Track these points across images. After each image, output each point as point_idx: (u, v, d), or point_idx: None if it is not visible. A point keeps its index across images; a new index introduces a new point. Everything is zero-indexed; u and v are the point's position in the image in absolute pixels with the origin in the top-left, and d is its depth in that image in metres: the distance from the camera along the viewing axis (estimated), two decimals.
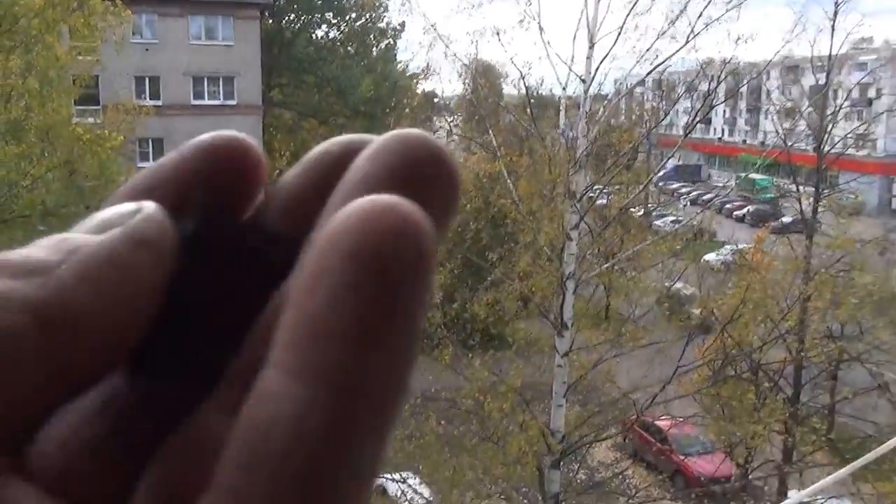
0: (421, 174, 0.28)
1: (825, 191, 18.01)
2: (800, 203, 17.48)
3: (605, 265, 14.36)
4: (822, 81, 18.81)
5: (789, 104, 21.12)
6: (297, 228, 0.31)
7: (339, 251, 0.24)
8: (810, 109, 18.44)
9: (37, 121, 13.62)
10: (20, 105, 13.53)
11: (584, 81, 12.89)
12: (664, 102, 17.54)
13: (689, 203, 26.12)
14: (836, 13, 17.23)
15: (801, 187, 17.84)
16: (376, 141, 0.29)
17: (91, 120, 17.32)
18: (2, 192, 12.84)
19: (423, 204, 0.26)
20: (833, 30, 17.25)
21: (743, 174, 20.90)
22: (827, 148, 17.75)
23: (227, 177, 0.33)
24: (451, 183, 0.29)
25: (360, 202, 0.25)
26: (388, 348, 0.24)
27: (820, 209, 17.36)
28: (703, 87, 14.16)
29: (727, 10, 12.80)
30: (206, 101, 25.95)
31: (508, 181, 13.15)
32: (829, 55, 17.48)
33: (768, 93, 25.38)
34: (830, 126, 17.86)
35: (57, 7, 13.57)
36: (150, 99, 23.98)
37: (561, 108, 13.54)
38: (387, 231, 0.24)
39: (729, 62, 13.80)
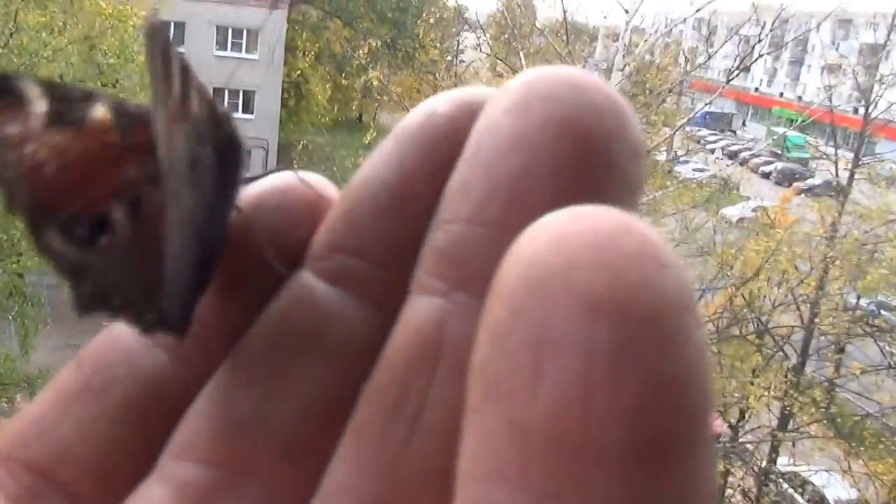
0: (601, 150, 0.23)
1: (865, 157, 17.13)
2: (836, 167, 16.65)
3: None
4: (878, 41, 17.78)
5: (838, 61, 20.09)
6: (403, 229, 0.28)
7: (561, 308, 0.18)
8: (860, 69, 17.46)
9: None
10: None
11: (627, 11, 12.19)
12: (706, 44, 16.65)
13: (723, 155, 25.20)
14: None
15: (838, 150, 16.97)
16: (511, 95, 0.25)
17: None
18: (22, 60, 12.38)
19: (611, 198, 0.22)
20: None
21: (777, 129, 20.01)
22: (874, 113, 16.80)
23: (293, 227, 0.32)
24: (637, 157, 0.24)
25: (554, 221, 0.19)
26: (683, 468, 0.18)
27: (857, 176, 16.55)
28: (747, 31, 13.37)
29: None
30: None
31: None
32: (895, 13, 16.37)
33: (814, 46, 24.35)
34: (883, 90, 16.88)
35: None
36: None
37: (599, 37, 12.80)
38: (628, 271, 0.18)
39: (783, 8, 12.95)
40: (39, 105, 0.33)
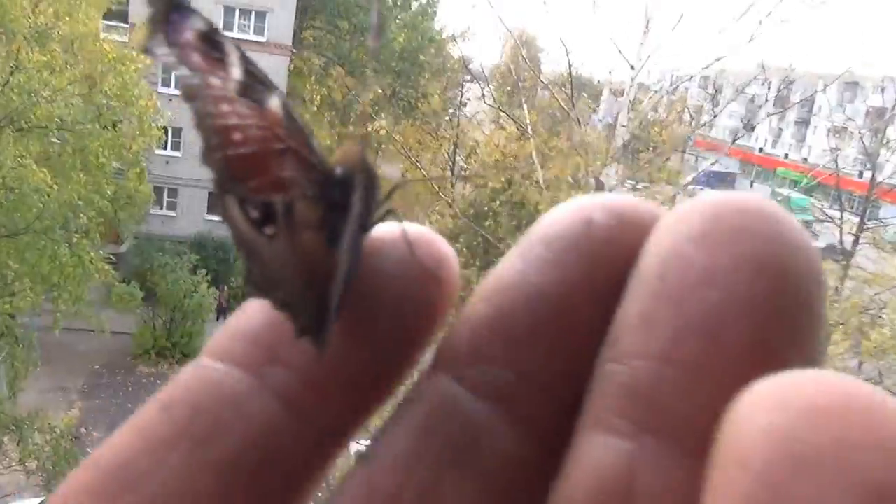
0: (795, 289, 0.23)
1: (870, 222, 16.93)
2: (840, 231, 16.44)
3: None
4: (885, 104, 17.70)
5: (845, 123, 20.01)
6: (565, 347, 0.27)
7: (839, 493, 0.17)
8: (867, 132, 17.34)
9: (64, 30, 13.30)
10: (49, 11, 13.15)
11: (632, 68, 12.04)
12: (711, 103, 16.54)
13: None
14: None
15: (844, 214, 16.79)
16: (695, 223, 0.24)
17: (118, 38, 16.71)
18: (21, 99, 12.42)
19: (804, 337, 0.22)
20: None
21: (782, 190, 19.85)
22: (880, 177, 16.65)
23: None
24: (824, 292, 0.24)
25: (797, 386, 0.19)
26: None
27: (861, 240, 16.34)
28: (753, 91, 13.25)
29: (802, 12, 11.90)
30: (235, 34, 24.84)
31: (536, 163, 12.35)
32: None
33: (821, 108, 24.30)
34: (889, 154, 16.74)
35: None
36: None
37: (603, 92, 12.66)
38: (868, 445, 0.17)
39: (791, 69, 12.84)
40: (236, 71, 0.35)
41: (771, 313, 0.22)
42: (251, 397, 0.30)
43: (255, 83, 0.35)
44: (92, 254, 13.00)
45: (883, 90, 18.00)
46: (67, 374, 17.61)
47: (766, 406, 0.18)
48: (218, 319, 21.29)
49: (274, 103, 0.35)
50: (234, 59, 0.35)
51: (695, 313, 0.22)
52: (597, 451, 0.23)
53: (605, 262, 0.26)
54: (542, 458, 0.26)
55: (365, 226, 0.33)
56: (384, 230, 0.33)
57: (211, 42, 0.35)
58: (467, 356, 0.28)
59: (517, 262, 0.27)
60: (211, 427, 0.29)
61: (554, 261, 0.27)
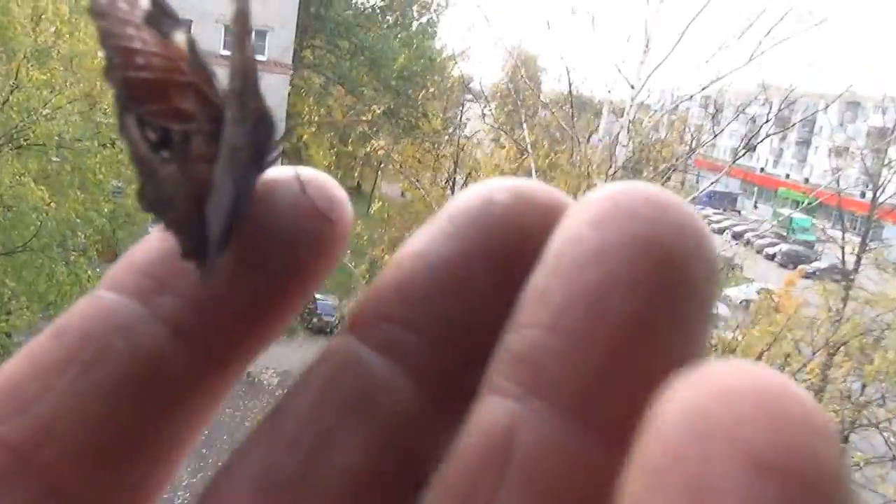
0: (679, 269, 0.24)
1: (872, 242, 16.86)
2: (843, 251, 16.36)
3: None
4: (887, 124, 17.67)
5: (846, 143, 19.98)
6: (459, 310, 0.29)
7: (726, 460, 0.19)
8: (868, 152, 17.31)
9: (64, 49, 13.38)
10: (49, 31, 13.31)
11: (632, 87, 12.01)
12: (712, 122, 16.51)
13: (732, 238, 24.99)
14: None
15: (846, 234, 16.71)
16: (594, 208, 0.26)
17: None
18: (20, 117, 12.44)
19: (686, 315, 0.24)
20: None
21: (783, 211, 19.80)
22: (881, 197, 16.59)
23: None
24: (713, 277, 0.25)
25: (718, 371, 0.21)
26: None
27: (863, 261, 16.26)
28: (754, 110, 13.23)
29: (801, 31, 11.89)
30: None
31: (535, 179, 12.27)
32: None
33: (822, 128, 24.30)
34: (891, 174, 16.69)
35: None
36: None
37: (603, 111, 12.64)
38: (795, 435, 0.19)
39: (792, 89, 12.80)
40: (144, 1, 0.35)
41: (652, 290, 0.23)
42: (139, 323, 0.31)
43: (163, 16, 0.35)
44: (89, 272, 12.86)
45: (884, 110, 17.98)
46: None
47: (691, 386, 0.20)
48: None
49: (179, 37, 0.35)
50: None
51: (581, 288, 0.24)
52: (486, 410, 0.25)
53: (501, 236, 0.28)
54: (434, 411, 0.28)
55: (258, 163, 0.35)
56: (278, 172, 0.34)
57: None
58: (372, 317, 0.29)
59: (424, 234, 0.29)
60: (98, 352, 0.30)
61: (455, 234, 0.29)
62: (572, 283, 0.24)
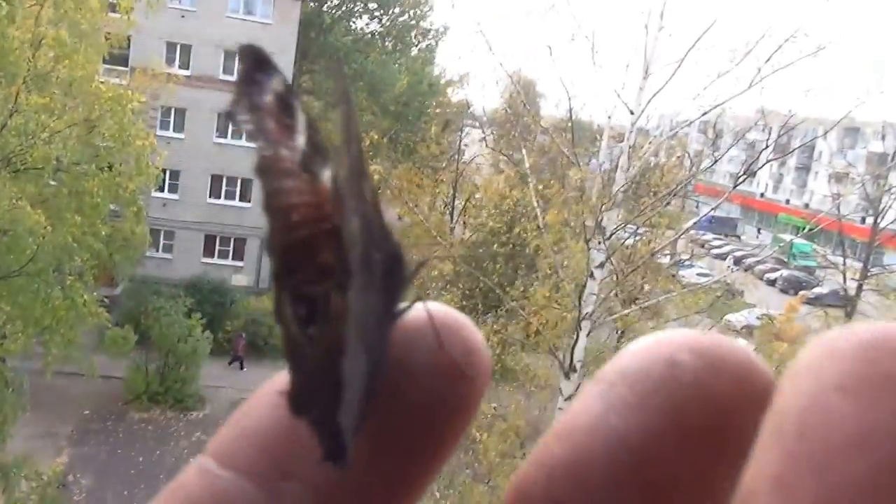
0: None
1: (873, 268, 16.79)
2: (844, 277, 16.30)
3: (626, 311, 13.32)
4: (886, 150, 17.65)
5: (846, 169, 19.95)
6: (647, 499, 0.25)
7: None
8: (868, 178, 17.26)
9: (63, 73, 13.30)
10: (48, 55, 13.18)
11: (632, 113, 11.98)
12: (712, 148, 16.45)
13: (733, 264, 24.85)
14: None
15: (847, 260, 16.65)
16: (842, 367, 0.21)
17: (118, 80, 16.92)
18: (18, 140, 12.39)
19: None
20: None
21: (784, 236, 19.72)
22: (882, 223, 16.54)
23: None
24: None
25: None
26: None
27: (865, 287, 16.18)
28: (754, 136, 13.17)
29: (800, 58, 11.85)
30: (234, 78, 25.20)
31: (536, 206, 12.25)
32: None
33: (821, 154, 24.24)
34: (891, 200, 16.64)
35: None
36: (179, 67, 23.79)
37: (603, 137, 12.59)
38: None
39: (791, 115, 12.76)
40: (301, 138, 0.34)
41: None
42: None
43: (316, 154, 0.33)
44: (85, 296, 12.87)
45: (883, 136, 17.96)
46: (56, 419, 17.31)
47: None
48: (230, 364, 21.09)
49: (326, 176, 0.33)
50: (301, 125, 0.33)
51: (841, 485, 0.19)
52: None
53: (693, 408, 0.24)
54: None
55: (391, 313, 0.32)
56: (411, 318, 0.32)
57: (285, 105, 0.34)
58: (542, 500, 0.26)
59: (596, 402, 0.25)
60: None
61: (636, 404, 0.25)
62: (827, 478, 0.19)
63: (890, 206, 16.78)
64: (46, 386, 14.46)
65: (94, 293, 13.61)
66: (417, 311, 0.32)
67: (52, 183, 13.43)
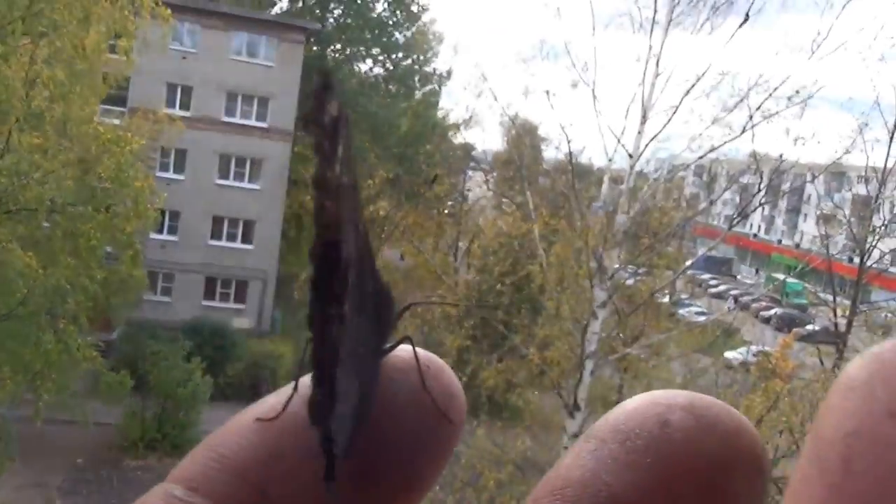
0: None
1: (862, 305, 17.26)
2: (834, 314, 16.75)
3: (628, 350, 13.67)
4: (871, 193, 18.22)
5: (833, 211, 20.52)
6: None
7: None
8: (854, 219, 17.80)
9: (58, 113, 12.91)
10: (43, 94, 12.79)
11: (631, 156, 12.42)
12: (707, 191, 16.94)
13: (733, 303, 25.20)
14: None
15: (837, 298, 17.13)
16: (889, 392, 0.20)
17: (116, 121, 16.73)
18: (10, 181, 12.04)
19: None
20: (891, 142, 16.68)
21: (777, 275, 20.19)
22: (868, 262, 17.06)
23: None
24: None
25: None
26: None
27: (854, 323, 16.63)
28: (746, 179, 13.65)
29: (787, 107, 12.39)
30: (237, 120, 25.17)
31: (539, 246, 12.61)
32: (885, 168, 16.85)
33: (810, 196, 24.72)
34: (875, 240, 17.17)
35: None
36: (180, 108, 23.60)
37: (604, 180, 13.01)
38: None
39: (782, 160, 13.27)
40: (338, 165, 0.34)
41: None
42: None
43: (346, 179, 0.35)
44: (79, 340, 12.48)
45: (867, 180, 18.52)
46: (46, 468, 16.49)
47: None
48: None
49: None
50: (341, 151, 0.35)
51: None
52: None
53: (683, 467, 0.24)
54: None
55: (380, 349, 0.35)
56: (399, 358, 0.33)
57: (335, 129, 0.35)
58: None
59: (588, 458, 0.26)
60: None
61: (628, 462, 0.25)
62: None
63: (875, 246, 17.29)
64: (36, 434, 13.91)
65: (89, 337, 13.21)
66: (403, 351, 0.34)
67: (46, 224, 13.08)
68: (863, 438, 0.19)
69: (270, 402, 0.32)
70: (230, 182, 24.70)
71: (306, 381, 0.32)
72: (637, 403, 0.26)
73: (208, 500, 0.28)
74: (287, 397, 0.32)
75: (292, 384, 0.33)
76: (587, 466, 0.25)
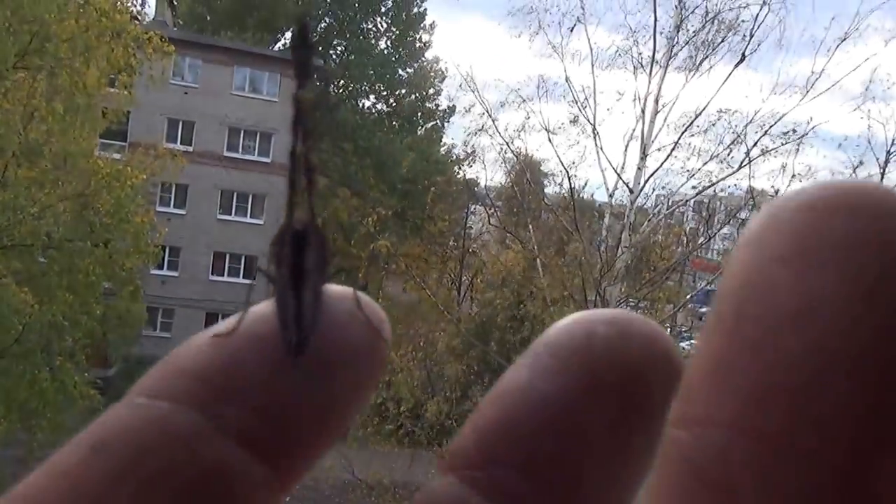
0: None
1: None
2: None
3: None
4: None
5: None
6: (569, 449, 0.28)
7: None
8: None
9: (56, 147, 12.82)
10: (41, 128, 12.69)
11: (631, 192, 12.54)
12: (706, 226, 17.07)
13: None
14: (886, 161, 16.81)
15: None
16: (779, 235, 0.20)
17: (117, 156, 16.46)
18: (5, 217, 11.87)
19: None
20: (882, 178, 16.76)
21: None
22: None
23: None
24: None
25: None
26: None
27: None
28: (744, 215, 13.77)
29: (783, 144, 12.58)
30: (240, 155, 25.30)
31: (543, 280, 12.69)
32: None
33: None
34: None
35: (90, 32, 12.87)
36: (181, 143, 23.55)
37: (606, 215, 13.12)
38: None
39: (778, 194, 13.36)
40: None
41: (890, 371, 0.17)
42: (204, 436, 0.29)
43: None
44: (76, 378, 12.24)
45: None
46: None
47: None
48: None
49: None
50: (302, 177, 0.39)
51: (776, 365, 0.18)
52: None
53: (606, 370, 0.28)
54: None
55: (322, 278, 0.38)
56: (336, 288, 0.37)
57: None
58: (475, 458, 0.29)
59: (524, 369, 0.29)
60: (159, 468, 0.27)
61: (558, 369, 0.28)
62: (765, 358, 0.19)
63: None
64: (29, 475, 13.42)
65: (87, 374, 13.02)
66: (341, 287, 0.37)
67: (42, 260, 12.81)
68: (753, 287, 0.19)
69: (226, 323, 0.33)
70: (232, 217, 24.78)
71: (259, 306, 0.35)
72: (567, 320, 0.30)
73: (175, 402, 0.29)
74: (241, 315, 0.34)
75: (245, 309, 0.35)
76: (523, 377, 0.29)
